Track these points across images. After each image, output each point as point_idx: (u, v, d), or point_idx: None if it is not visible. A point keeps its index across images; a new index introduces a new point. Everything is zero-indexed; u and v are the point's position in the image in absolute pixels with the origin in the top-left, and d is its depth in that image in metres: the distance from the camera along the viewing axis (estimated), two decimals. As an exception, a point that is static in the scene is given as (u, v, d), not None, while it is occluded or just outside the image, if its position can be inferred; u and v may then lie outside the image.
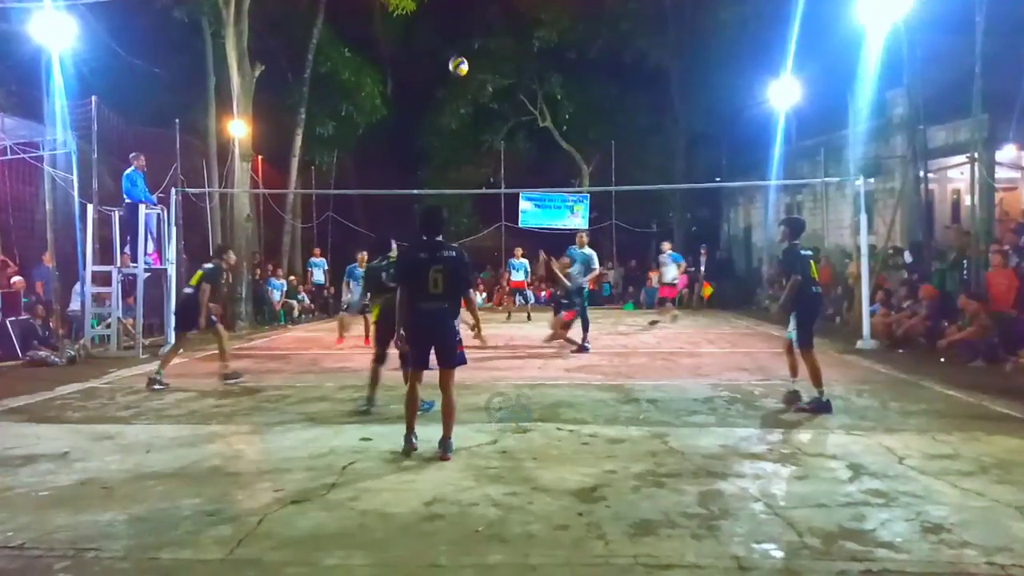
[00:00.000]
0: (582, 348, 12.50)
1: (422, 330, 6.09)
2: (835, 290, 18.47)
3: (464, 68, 10.10)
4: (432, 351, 6.09)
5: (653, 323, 17.55)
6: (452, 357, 6.10)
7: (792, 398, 7.98)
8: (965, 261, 13.39)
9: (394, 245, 8.63)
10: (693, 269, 25.25)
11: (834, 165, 19.03)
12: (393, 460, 5.95)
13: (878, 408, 7.92)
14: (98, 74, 15.96)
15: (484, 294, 25.11)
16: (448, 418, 6.09)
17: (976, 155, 13.45)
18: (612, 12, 25.85)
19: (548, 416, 7.56)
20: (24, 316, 12.58)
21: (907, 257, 16.64)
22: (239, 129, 18.66)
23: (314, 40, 22.56)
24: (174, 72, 19.98)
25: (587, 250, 12.94)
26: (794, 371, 8.12)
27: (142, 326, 13.34)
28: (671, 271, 17.77)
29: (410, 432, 6.17)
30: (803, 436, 6.69)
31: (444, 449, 5.98)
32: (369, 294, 9.35)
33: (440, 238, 6.16)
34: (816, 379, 7.78)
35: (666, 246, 18.25)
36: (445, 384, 6.11)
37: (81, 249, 13.42)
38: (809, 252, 8.22)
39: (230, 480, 5.53)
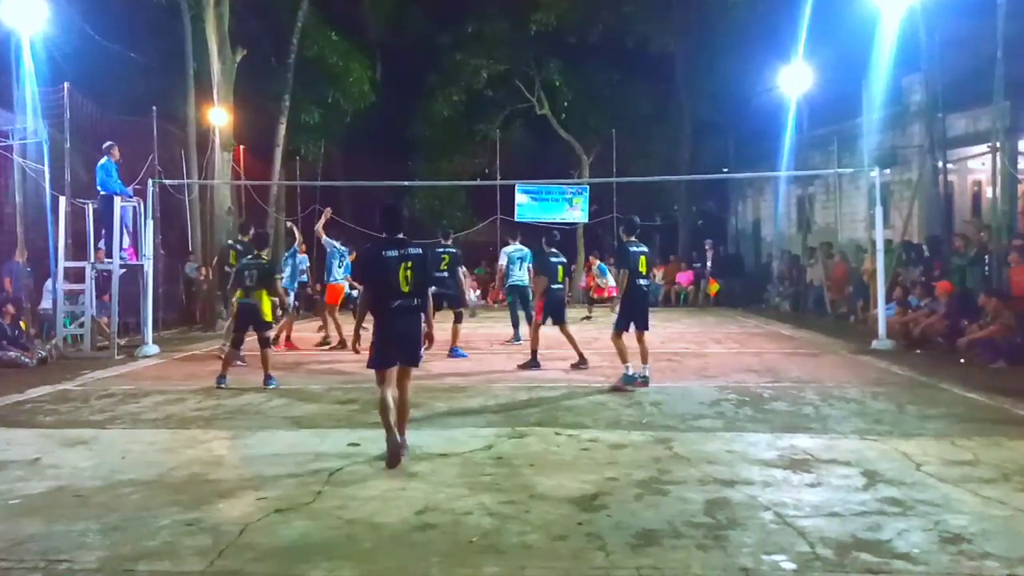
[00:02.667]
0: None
1: (393, 329, 6.16)
2: (848, 287, 18.49)
3: None
4: (399, 352, 6.22)
5: (586, 318, 18.66)
6: (417, 355, 6.30)
7: (642, 382, 9.23)
8: (986, 256, 13.40)
9: (267, 246, 10.53)
10: (699, 265, 25.30)
11: (848, 155, 19.02)
12: (382, 467, 5.94)
13: (894, 411, 7.93)
14: (71, 59, 15.87)
15: (479, 291, 25.08)
16: (404, 416, 6.25)
17: (998, 144, 13.44)
18: (614, -6, 25.84)
19: (546, 420, 7.57)
20: (-8, 315, 12.53)
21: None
22: (220, 117, 18.62)
23: (299, 23, 22.46)
24: (151, 57, 19.87)
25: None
26: (644, 358, 9.44)
27: (117, 325, 13.30)
28: (604, 280, 18.96)
29: (391, 432, 6.11)
30: (815, 441, 6.70)
31: (401, 449, 6.04)
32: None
33: (402, 235, 6.29)
34: (623, 358, 9.33)
35: (593, 259, 19.66)
36: (404, 382, 6.27)
37: (53, 244, 13.36)
38: (643, 249, 9.69)
39: (210, 488, 5.52)
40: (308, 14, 22.75)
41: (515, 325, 13.95)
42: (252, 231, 12.18)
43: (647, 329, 9.60)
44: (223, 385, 9.52)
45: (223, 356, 10.27)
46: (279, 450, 6.55)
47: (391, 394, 6.17)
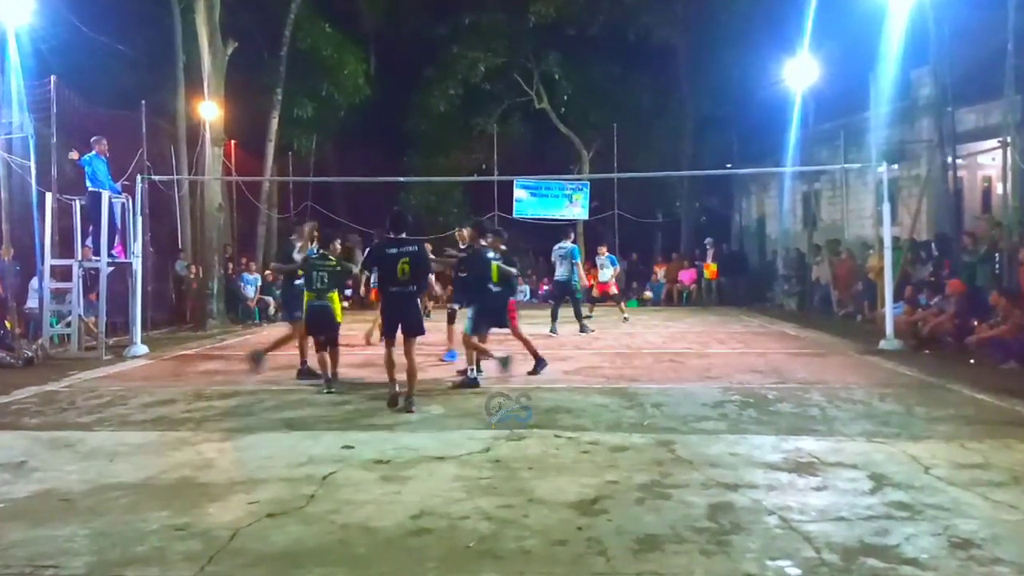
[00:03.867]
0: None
1: (394, 309, 8.25)
2: (855, 286, 18.49)
3: None
4: (400, 324, 8.22)
5: (586, 317, 18.41)
6: (415, 329, 8.30)
7: (469, 383, 9.48)
8: (997, 254, 13.40)
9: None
10: (699, 263, 25.32)
11: (855, 150, 19.03)
12: (377, 470, 5.94)
13: (902, 413, 7.93)
14: (57, 52, 15.85)
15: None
16: (411, 378, 8.20)
17: (1008, 139, 13.45)
18: (615, -15, 25.80)
19: (545, 422, 7.56)
20: (-24, 314, 12.53)
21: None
22: (210, 111, 18.59)
23: (292, 14, 22.47)
24: (140, 50, 19.85)
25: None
26: (483, 354, 9.70)
27: (105, 325, 13.29)
28: (607, 273, 19.09)
29: (392, 383, 8.23)
30: (821, 444, 6.69)
31: (408, 404, 8.02)
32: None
33: (404, 235, 8.30)
34: (479, 360, 9.74)
35: (602, 249, 19.58)
36: (408, 350, 8.23)
37: (39, 241, 13.35)
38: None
39: (200, 491, 5.51)
40: (301, 5, 22.76)
41: (554, 318, 15.54)
42: (340, 240, 10.97)
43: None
44: (332, 389, 9.29)
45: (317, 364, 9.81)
46: (271, 453, 6.54)
47: (396, 358, 8.16)
